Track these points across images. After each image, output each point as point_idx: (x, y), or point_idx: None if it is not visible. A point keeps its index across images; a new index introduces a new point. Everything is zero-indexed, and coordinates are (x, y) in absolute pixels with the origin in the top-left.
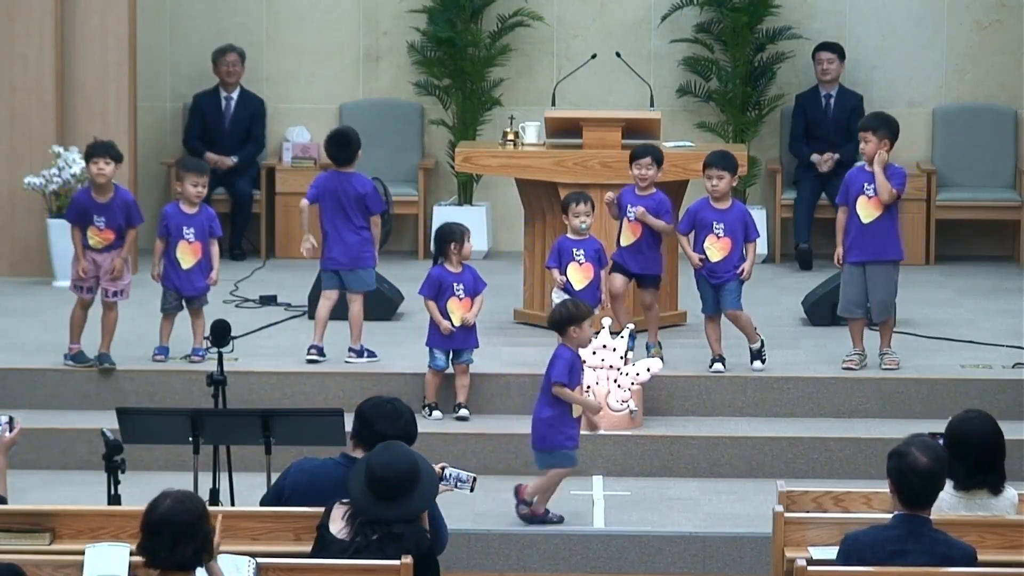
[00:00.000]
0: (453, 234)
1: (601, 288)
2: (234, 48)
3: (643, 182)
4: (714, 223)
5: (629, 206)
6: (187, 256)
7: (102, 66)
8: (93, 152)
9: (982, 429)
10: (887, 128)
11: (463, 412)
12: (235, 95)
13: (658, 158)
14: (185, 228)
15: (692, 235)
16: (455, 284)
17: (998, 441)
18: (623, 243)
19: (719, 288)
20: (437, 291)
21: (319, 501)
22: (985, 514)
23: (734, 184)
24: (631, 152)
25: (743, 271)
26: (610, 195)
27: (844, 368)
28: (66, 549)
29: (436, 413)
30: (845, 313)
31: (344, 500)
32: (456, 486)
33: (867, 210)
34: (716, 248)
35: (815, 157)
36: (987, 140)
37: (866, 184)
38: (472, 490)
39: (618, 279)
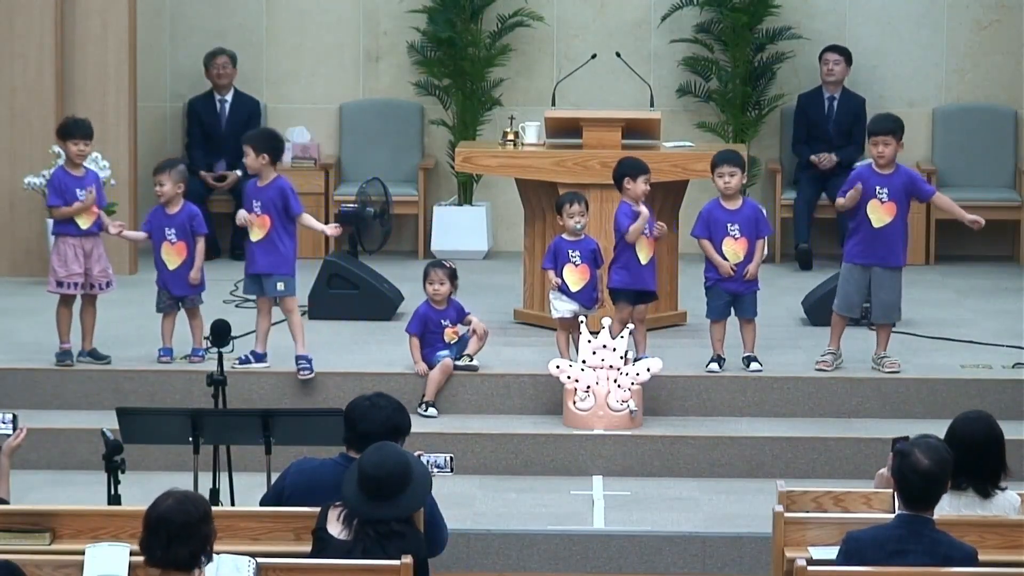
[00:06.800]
0: (425, 274)
1: (598, 288)
2: (224, 51)
3: (646, 195)
4: (728, 224)
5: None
6: (172, 256)
7: (102, 66)
8: (74, 132)
9: (970, 430)
10: (902, 130)
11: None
12: (229, 97)
13: None
14: (166, 229)
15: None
16: (442, 320)
17: (987, 444)
18: (643, 261)
19: (739, 296)
20: (424, 330)
21: (319, 501)
22: (973, 514)
23: (743, 181)
24: (629, 170)
25: (748, 272)
26: (662, 226)
27: (817, 368)
28: (66, 549)
29: (432, 411)
30: (845, 311)
31: (337, 503)
32: (435, 471)
33: (879, 215)
34: (734, 250)
35: (813, 157)
36: (987, 140)
37: (878, 188)
38: (452, 470)
39: (626, 309)
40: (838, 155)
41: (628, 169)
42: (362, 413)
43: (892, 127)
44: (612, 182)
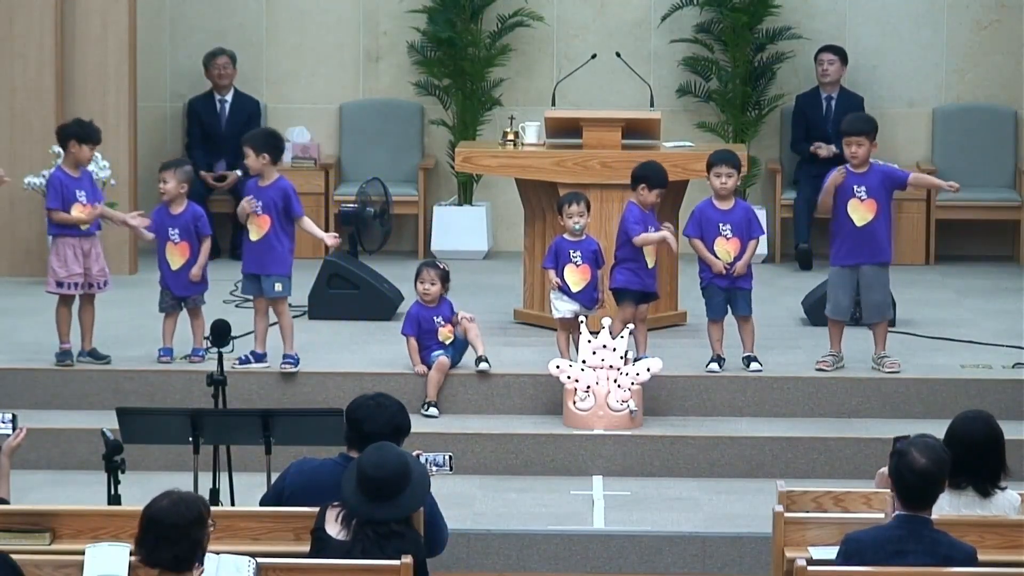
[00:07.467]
0: (417, 273)
1: (599, 288)
2: (224, 51)
3: (655, 206)
4: (720, 224)
5: (652, 228)
6: (175, 256)
7: (102, 66)
8: (92, 136)
9: (969, 430)
10: (875, 131)
11: (433, 411)
12: (229, 97)
13: None
14: (170, 229)
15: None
16: (434, 318)
17: (987, 444)
18: (650, 265)
19: (733, 293)
20: (418, 330)
21: (319, 501)
22: (973, 514)
23: (738, 183)
24: (652, 179)
25: (735, 268)
26: (669, 227)
27: (817, 369)
28: (66, 549)
29: (433, 410)
30: (836, 315)
31: (336, 503)
32: (434, 470)
33: (860, 213)
34: (726, 250)
35: (812, 147)
36: (987, 140)
37: (856, 187)
38: (451, 469)
39: (629, 309)
40: (837, 150)
41: (651, 178)
42: (366, 413)
43: (865, 128)
44: (613, 182)
